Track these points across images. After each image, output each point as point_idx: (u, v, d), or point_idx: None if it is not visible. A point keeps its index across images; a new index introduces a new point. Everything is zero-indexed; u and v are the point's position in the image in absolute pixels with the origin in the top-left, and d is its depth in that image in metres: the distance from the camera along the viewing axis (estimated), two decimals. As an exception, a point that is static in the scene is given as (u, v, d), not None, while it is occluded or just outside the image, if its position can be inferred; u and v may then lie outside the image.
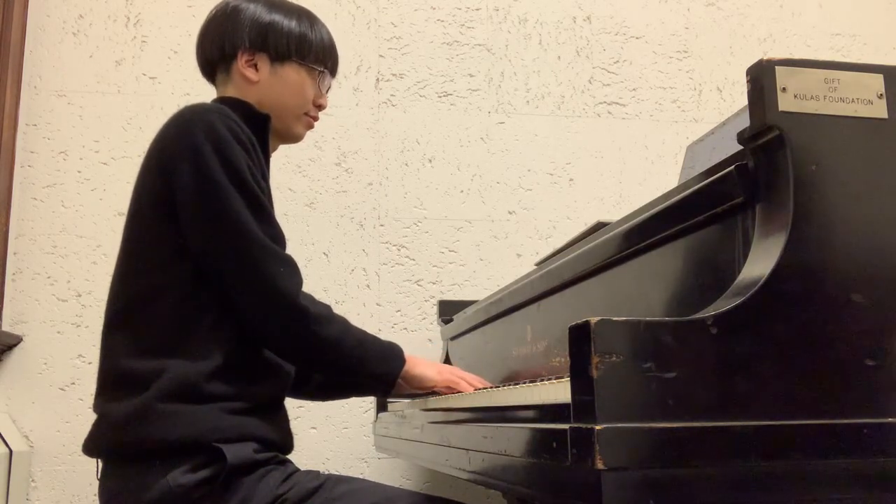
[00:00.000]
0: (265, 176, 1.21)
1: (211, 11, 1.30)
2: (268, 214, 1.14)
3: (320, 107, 1.33)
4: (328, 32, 1.32)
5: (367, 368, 1.19)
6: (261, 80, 1.26)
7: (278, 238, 1.15)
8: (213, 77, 1.31)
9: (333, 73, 1.34)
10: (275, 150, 1.32)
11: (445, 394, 1.30)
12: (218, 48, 1.27)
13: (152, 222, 1.15)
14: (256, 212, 1.12)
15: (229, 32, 1.26)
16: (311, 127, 1.33)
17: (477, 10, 2.36)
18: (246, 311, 1.13)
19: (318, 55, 1.30)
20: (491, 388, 1.19)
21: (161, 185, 1.14)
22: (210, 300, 1.13)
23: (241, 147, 1.13)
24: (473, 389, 1.27)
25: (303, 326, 1.12)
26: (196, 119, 1.13)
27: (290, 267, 1.14)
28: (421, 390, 1.30)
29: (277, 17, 1.27)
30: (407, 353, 1.25)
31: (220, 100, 1.27)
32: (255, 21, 1.26)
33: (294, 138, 1.33)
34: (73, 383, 2.02)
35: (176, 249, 1.13)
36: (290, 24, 1.27)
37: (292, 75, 1.28)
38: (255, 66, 1.26)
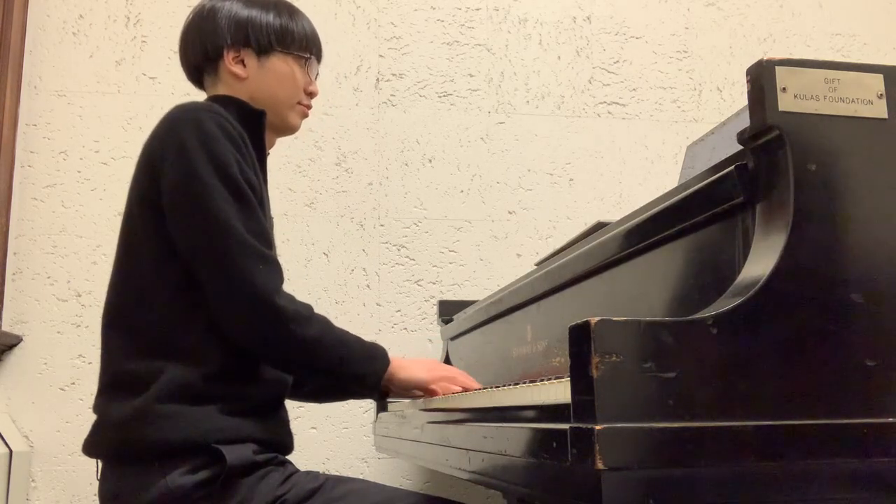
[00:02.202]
0: (258, 173, 1.20)
1: (188, 17, 1.30)
2: (253, 211, 1.13)
3: (311, 94, 1.33)
4: (308, 20, 1.33)
5: (348, 369, 1.16)
6: (250, 76, 1.26)
7: (262, 236, 1.13)
8: (201, 81, 1.32)
9: (319, 58, 1.34)
10: (272, 145, 1.32)
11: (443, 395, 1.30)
12: (201, 51, 1.27)
13: (144, 222, 1.15)
14: (241, 207, 1.11)
15: (210, 33, 1.26)
16: (305, 116, 1.33)
17: (477, 10, 2.36)
18: (222, 309, 1.11)
19: (302, 43, 1.30)
20: (491, 388, 1.19)
21: (150, 183, 1.14)
22: (204, 299, 1.12)
23: (230, 143, 1.13)
24: (459, 389, 1.27)
25: (280, 325, 1.09)
26: (184, 116, 1.13)
27: (270, 265, 1.12)
28: (411, 394, 1.29)
29: (255, 12, 1.27)
30: (400, 356, 1.24)
31: (212, 98, 1.27)
32: (233, 18, 1.26)
33: (290, 129, 1.33)
34: (73, 383, 2.02)
35: (168, 248, 1.12)
36: (269, 16, 1.27)
37: (280, 66, 1.28)
38: (243, 62, 1.26)
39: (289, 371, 1.22)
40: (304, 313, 1.12)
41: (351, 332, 1.19)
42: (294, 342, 1.11)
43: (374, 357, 1.20)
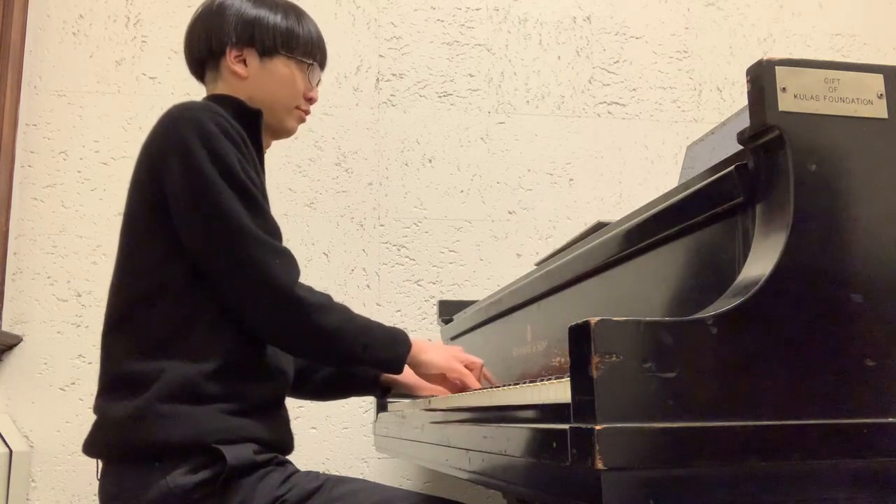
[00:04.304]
0: (258, 171, 1.20)
1: (197, 10, 1.30)
2: (260, 207, 1.14)
3: (311, 100, 1.33)
4: (315, 25, 1.32)
5: (372, 355, 1.18)
6: (250, 76, 1.26)
7: (272, 231, 1.14)
8: (203, 76, 1.32)
9: (322, 65, 1.34)
10: (268, 146, 1.32)
11: (448, 393, 1.30)
12: (205, 46, 1.27)
13: (146, 223, 1.15)
14: (248, 205, 1.12)
15: (216, 29, 1.26)
16: (302, 120, 1.33)
17: (477, 10, 2.36)
18: (243, 306, 1.12)
19: (307, 48, 1.29)
20: (491, 387, 1.19)
21: (151, 184, 1.14)
22: (207, 300, 1.12)
23: (230, 142, 1.13)
24: (478, 385, 1.27)
25: (302, 317, 1.11)
26: (184, 116, 1.13)
27: (286, 258, 1.13)
28: (427, 378, 1.29)
29: (263, 12, 1.27)
30: (412, 337, 1.25)
31: (210, 97, 1.27)
32: (240, 16, 1.26)
33: (286, 132, 1.33)
34: (73, 383, 2.02)
35: (170, 249, 1.12)
36: (276, 18, 1.27)
37: (282, 69, 1.28)
38: (244, 62, 1.26)
39: (314, 360, 1.23)
40: (325, 303, 1.14)
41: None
42: (317, 332, 1.12)
43: (397, 341, 1.22)
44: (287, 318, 1.11)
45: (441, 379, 1.28)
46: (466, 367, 1.28)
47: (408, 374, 1.29)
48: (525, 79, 2.35)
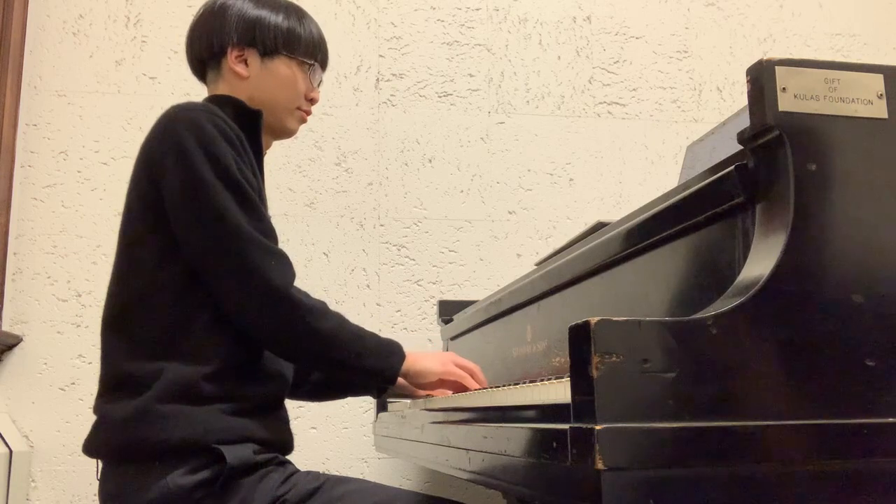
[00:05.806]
0: (256, 172, 1.20)
1: (199, 10, 1.30)
2: (256, 209, 1.14)
3: (312, 100, 1.33)
4: (317, 26, 1.32)
5: (365, 363, 1.17)
6: (251, 76, 1.26)
7: (268, 232, 1.14)
8: (204, 76, 1.32)
9: (324, 66, 1.34)
10: (269, 147, 1.32)
11: (447, 394, 1.30)
12: (207, 46, 1.27)
13: (143, 223, 1.15)
14: (244, 206, 1.12)
15: (217, 29, 1.26)
16: (303, 121, 1.33)
17: (477, 10, 2.36)
18: (238, 307, 1.12)
19: (308, 48, 1.29)
20: (491, 388, 1.19)
21: (149, 184, 1.14)
22: (206, 299, 1.12)
23: (226, 143, 1.13)
24: (477, 385, 1.27)
25: (296, 319, 1.10)
26: (181, 117, 1.13)
27: (281, 260, 1.13)
28: (425, 386, 1.29)
29: (265, 13, 1.27)
30: (407, 348, 1.24)
31: (210, 98, 1.27)
32: (242, 16, 1.26)
33: (287, 133, 1.32)
34: (73, 383, 2.02)
35: (168, 249, 1.12)
36: (278, 18, 1.27)
37: (283, 69, 1.28)
38: (245, 62, 1.26)
39: (306, 365, 1.23)
40: (320, 308, 1.14)
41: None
42: (311, 335, 1.12)
43: (391, 351, 1.21)
44: (281, 318, 1.11)
45: (438, 385, 1.28)
46: (462, 370, 1.28)
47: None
48: (525, 79, 2.35)
